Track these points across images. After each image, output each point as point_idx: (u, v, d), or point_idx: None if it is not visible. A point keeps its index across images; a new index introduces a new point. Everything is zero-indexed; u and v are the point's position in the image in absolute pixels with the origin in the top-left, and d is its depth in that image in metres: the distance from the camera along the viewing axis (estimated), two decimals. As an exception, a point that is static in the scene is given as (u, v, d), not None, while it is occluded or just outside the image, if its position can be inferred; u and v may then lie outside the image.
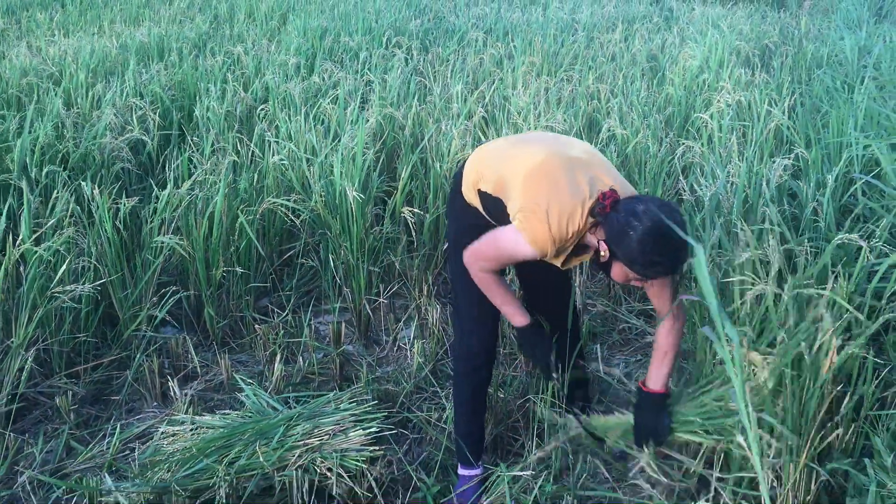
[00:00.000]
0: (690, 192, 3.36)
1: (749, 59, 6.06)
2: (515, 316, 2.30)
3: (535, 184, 2.10)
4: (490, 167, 2.26)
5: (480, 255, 2.22)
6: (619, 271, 2.09)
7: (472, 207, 2.34)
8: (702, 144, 3.83)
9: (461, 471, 2.50)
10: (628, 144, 3.97)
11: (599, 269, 2.16)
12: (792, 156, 3.58)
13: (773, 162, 3.35)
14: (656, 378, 2.29)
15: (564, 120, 4.25)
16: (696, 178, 3.52)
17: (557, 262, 2.17)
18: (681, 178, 3.58)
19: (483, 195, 2.28)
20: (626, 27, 7.58)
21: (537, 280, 2.55)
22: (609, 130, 4.15)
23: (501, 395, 2.80)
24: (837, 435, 2.25)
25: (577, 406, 2.62)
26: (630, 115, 4.38)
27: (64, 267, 2.90)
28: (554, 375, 2.35)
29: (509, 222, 2.18)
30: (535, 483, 2.42)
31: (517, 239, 2.10)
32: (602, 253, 2.07)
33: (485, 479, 2.49)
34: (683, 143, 3.95)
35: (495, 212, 2.27)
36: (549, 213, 2.05)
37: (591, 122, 4.54)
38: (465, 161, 2.42)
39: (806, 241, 2.81)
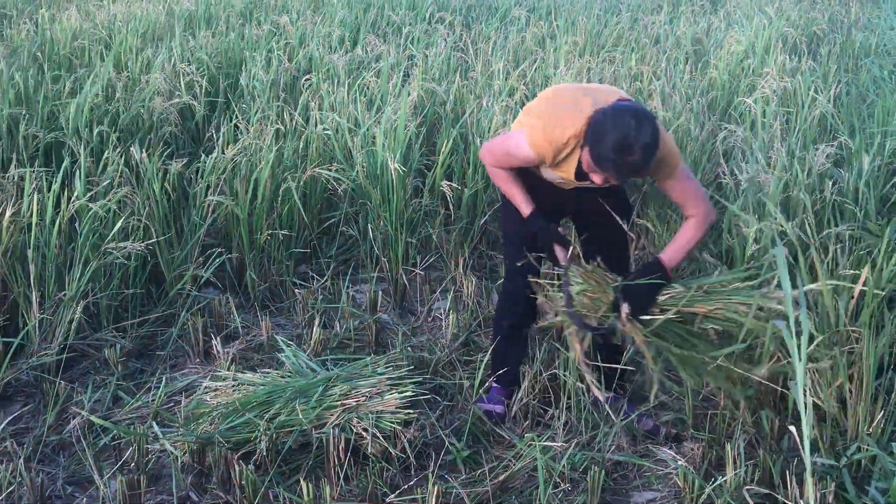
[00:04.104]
0: (731, 176, 3.36)
1: (796, 46, 5.98)
2: (522, 206, 2.59)
3: (542, 101, 2.52)
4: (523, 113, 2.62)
5: (491, 151, 2.61)
6: (587, 165, 2.34)
7: None
8: (744, 129, 3.82)
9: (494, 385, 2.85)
10: (670, 127, 3.97)
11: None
12: (835, 143, 3.56)
13: (816, 149, 3.34)
14: (670, 256, 2.47)
15: (606, 100, 4.25)
16: (736, 163, 3.52)
17: (569, 173, 2.44)
18: (722, 161, 3.58)
19: None
20: (671, 9, 7.51)
21: (593, 234, 2.72)
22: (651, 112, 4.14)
23: (532, 370, 2.85)
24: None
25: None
26: (672, 98, 4.37)
27: (119, 224, 3.01)
28: (561, 263, 2.52)
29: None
30: (564, 453, 2.48)
31: (520, 141, 2.46)
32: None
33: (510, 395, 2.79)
34: (726, 128, 3.94)
35: None
36: (546, 121, 2.40)
37: (632, 104, 4.53)
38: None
39: (845, 228, 2.81)
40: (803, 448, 1.69)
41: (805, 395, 1.69)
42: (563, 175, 2.50)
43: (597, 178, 2.35)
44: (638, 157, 2.21)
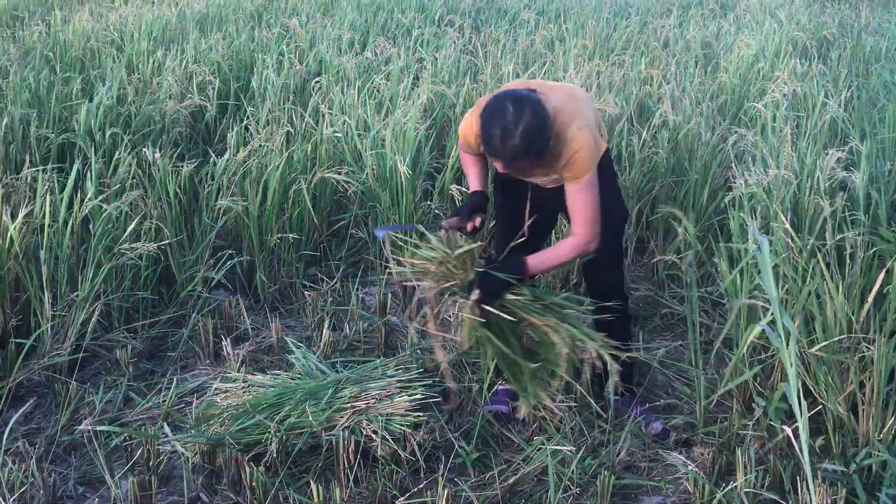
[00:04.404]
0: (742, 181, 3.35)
1: (806, 50, 5.97)
2: (470, 184, 2.70)
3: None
4: None
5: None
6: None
7: None
8: (755, 133, 3.82)
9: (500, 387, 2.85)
10: (680, 131, 3.97)
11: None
12: (846, 148, 3.55)
13: (827, 154, 3.33)
14: (535, 263, 2.45)
15: (616, 104, 4.26)
16: (746, 167, 3.51)
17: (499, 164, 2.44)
18: (732, 165, 3.57)
19: None
20: (681, 13, 7.50)
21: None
22: (661, 116, 4.15)
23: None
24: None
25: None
26: (682, 102, 4.36)
27: (132, 226, 3.02)
28: (468, 228, 2.56)
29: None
30: (574, 457, 2.48)
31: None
32: None
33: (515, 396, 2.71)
34: (736, 132, 3.94)
35: None
36: (473, 111, 2.50)
37: (642, 108, 4.54)
38: None
39: (856, 233, 2.80)
40: (802, 454, 1.68)
41: (800, 401, 1.68)
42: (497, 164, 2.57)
43: (498, 167, 2.36)
44: (518, 141, 2.19)
